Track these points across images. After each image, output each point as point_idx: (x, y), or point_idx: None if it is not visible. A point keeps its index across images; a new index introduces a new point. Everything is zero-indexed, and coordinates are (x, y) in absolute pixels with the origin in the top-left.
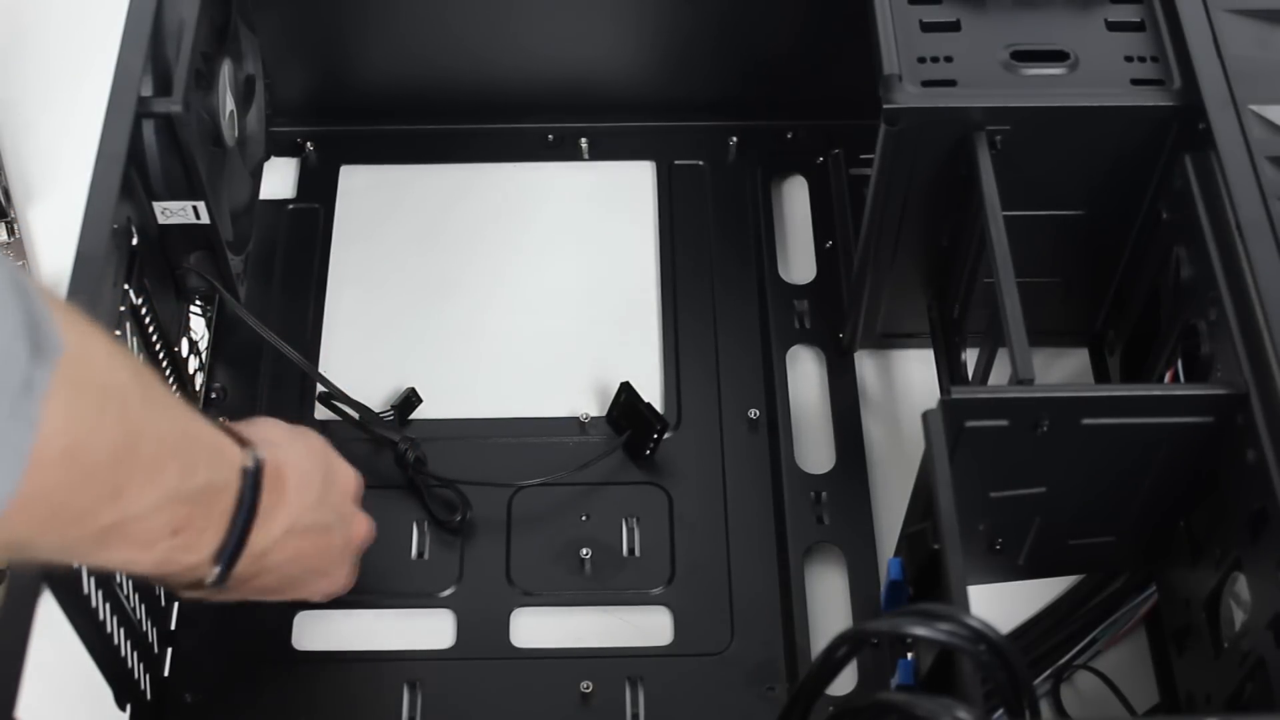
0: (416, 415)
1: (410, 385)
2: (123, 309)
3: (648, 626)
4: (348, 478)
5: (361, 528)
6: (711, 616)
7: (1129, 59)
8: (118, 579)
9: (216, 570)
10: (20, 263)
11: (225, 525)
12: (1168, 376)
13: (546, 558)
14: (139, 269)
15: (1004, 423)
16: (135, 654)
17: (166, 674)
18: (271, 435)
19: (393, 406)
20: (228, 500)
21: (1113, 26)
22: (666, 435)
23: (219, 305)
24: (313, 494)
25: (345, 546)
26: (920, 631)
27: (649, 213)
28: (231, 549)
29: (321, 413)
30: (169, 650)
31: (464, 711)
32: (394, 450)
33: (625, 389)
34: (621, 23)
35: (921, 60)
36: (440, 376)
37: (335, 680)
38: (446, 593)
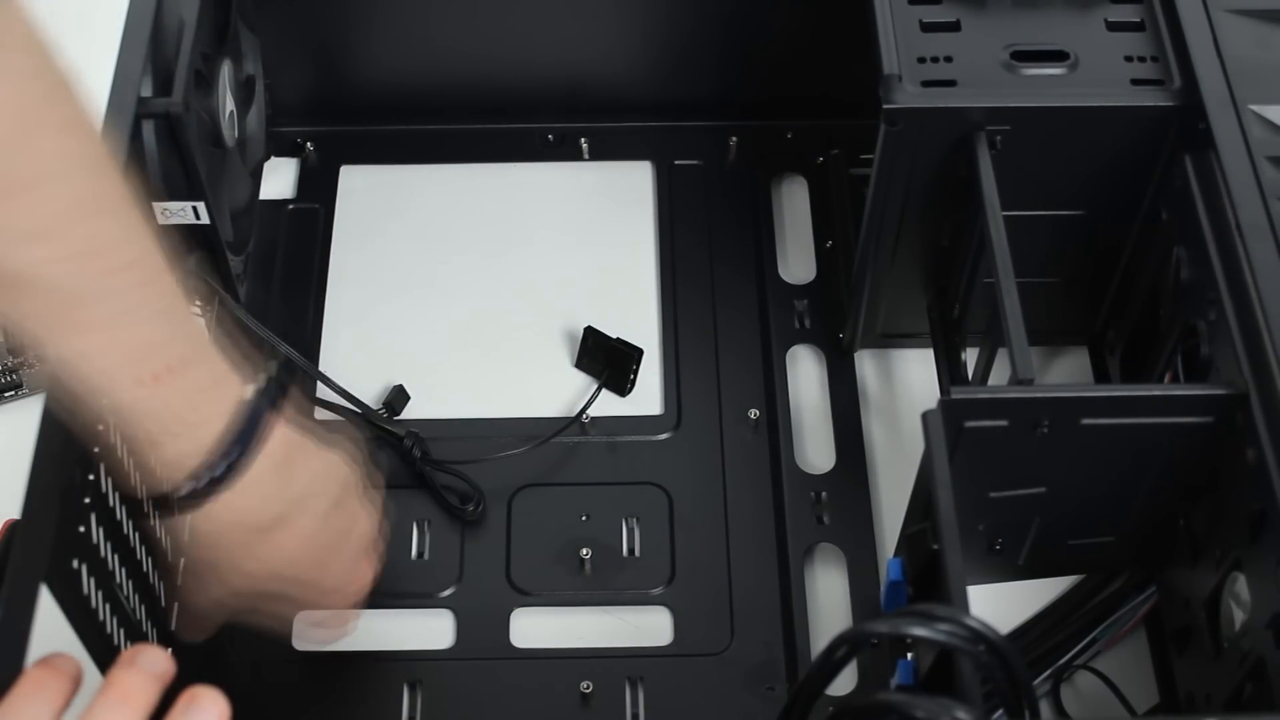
0: (418, 415)
1: (398, 383)
2: None
3: (648, 626)
4: (362, 519)
5: (364, 575)
6: (711, 616)
7: (1129, 59)
8: (117, 579)
9: (196, 476)
10: None
11: (218, 428)
12: (1167, 377)
13: (546, 558)
14: None
15: (1004, 423)
16: None
17: None
18: (294, 435)
19: (384, 404)
20: (220, 407)
21: (1113, 26)
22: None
23: (219, 305)
24: (321, 505)
25: (343, 578)
26: (920, 632)
27: (649, 213)
28: (235, 443)
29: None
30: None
31: (464, 711)
32: (399, 446)
33: (590, 333)
34: (621, 23)
35: (921, 60)
36: (440, 376)
37: (335, 680)
38: (446, 593)
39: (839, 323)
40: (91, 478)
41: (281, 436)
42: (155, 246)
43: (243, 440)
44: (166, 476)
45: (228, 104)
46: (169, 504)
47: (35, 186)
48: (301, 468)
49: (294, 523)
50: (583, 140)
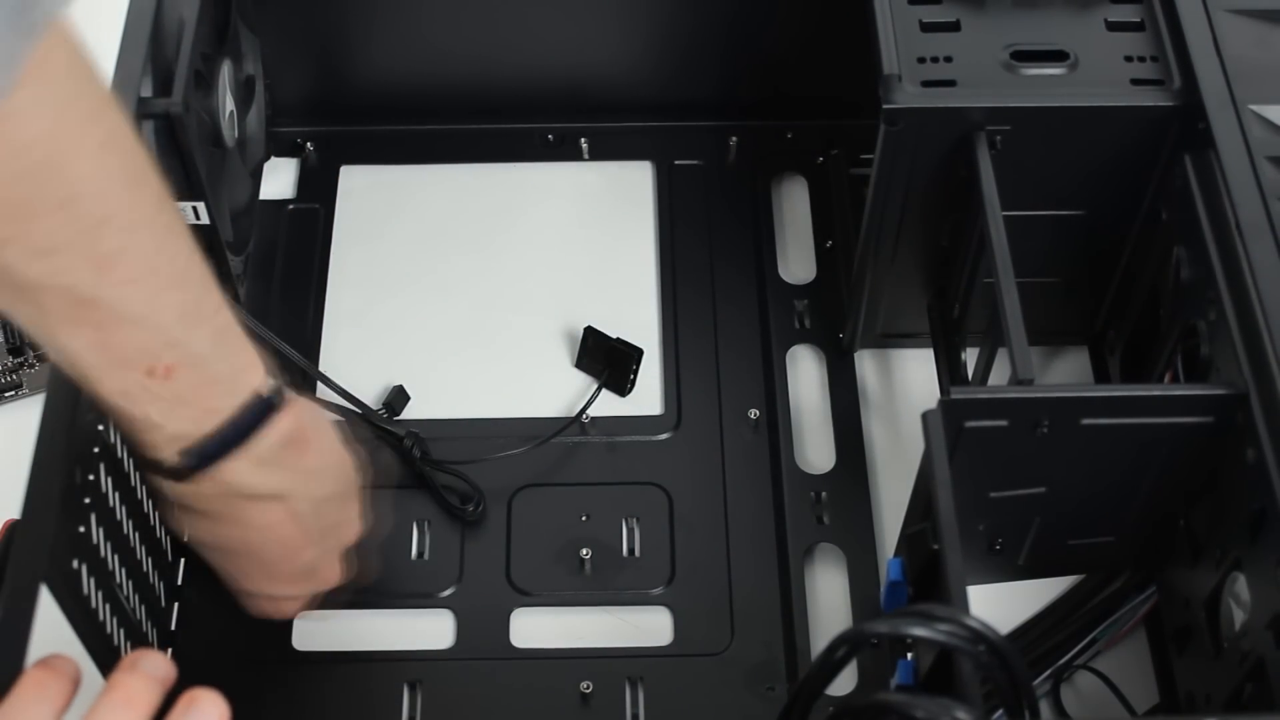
0: (418, 416)
1: (398, 383)
2: None
3: (648, 626)
4: (353, 521)
5: (333, 573)
6: (711, 616)
7: (1129, 59)
8: (117, 579)
9: (177, 460)
10: None
11: (211, 425)
12: (1167, 377)
13: (546, 558)
14: None
15: (1004, 423)
16: None
17: None
18: (318, 417)
19: (384, 404)
20: (225, 402)
21: (1113, 26)
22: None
23: None
24: (323, 490)
25: (310, 571)
26: (919, 632)
27: (649, 213)
28: (200, 455)
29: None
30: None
31: (464, 711)
32: (399, 446)
33: (590, 333)
34: (622, 23)
35: (921, 60)
36: (440, 376)
37: (335, 680)
38: (446, 593)
39: (839, 323)
40: (91, 478)
41: (299, 417)
42: (188, 248)
43: (246, 426)
44: (159, 452)
45: (228, 104)
46: (159, 469)
47: (62, 208)
48: (314, 451)
49: (288, 500)
50: (583, 140)
